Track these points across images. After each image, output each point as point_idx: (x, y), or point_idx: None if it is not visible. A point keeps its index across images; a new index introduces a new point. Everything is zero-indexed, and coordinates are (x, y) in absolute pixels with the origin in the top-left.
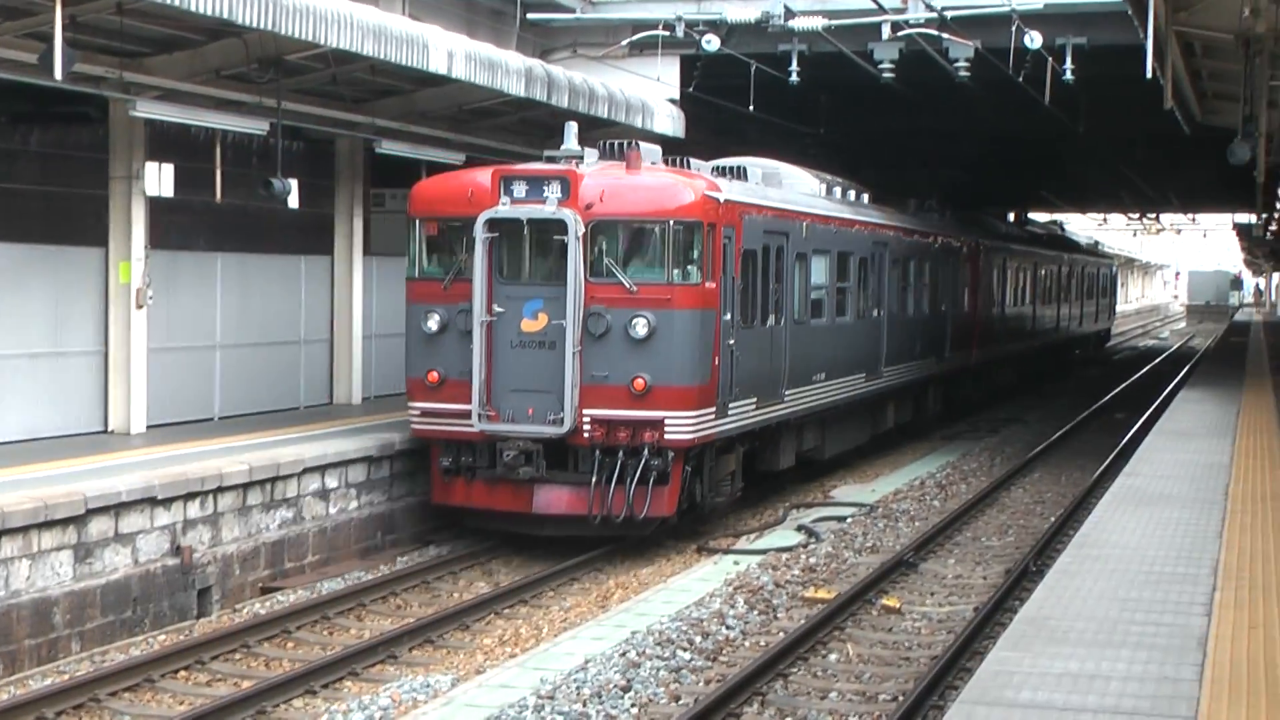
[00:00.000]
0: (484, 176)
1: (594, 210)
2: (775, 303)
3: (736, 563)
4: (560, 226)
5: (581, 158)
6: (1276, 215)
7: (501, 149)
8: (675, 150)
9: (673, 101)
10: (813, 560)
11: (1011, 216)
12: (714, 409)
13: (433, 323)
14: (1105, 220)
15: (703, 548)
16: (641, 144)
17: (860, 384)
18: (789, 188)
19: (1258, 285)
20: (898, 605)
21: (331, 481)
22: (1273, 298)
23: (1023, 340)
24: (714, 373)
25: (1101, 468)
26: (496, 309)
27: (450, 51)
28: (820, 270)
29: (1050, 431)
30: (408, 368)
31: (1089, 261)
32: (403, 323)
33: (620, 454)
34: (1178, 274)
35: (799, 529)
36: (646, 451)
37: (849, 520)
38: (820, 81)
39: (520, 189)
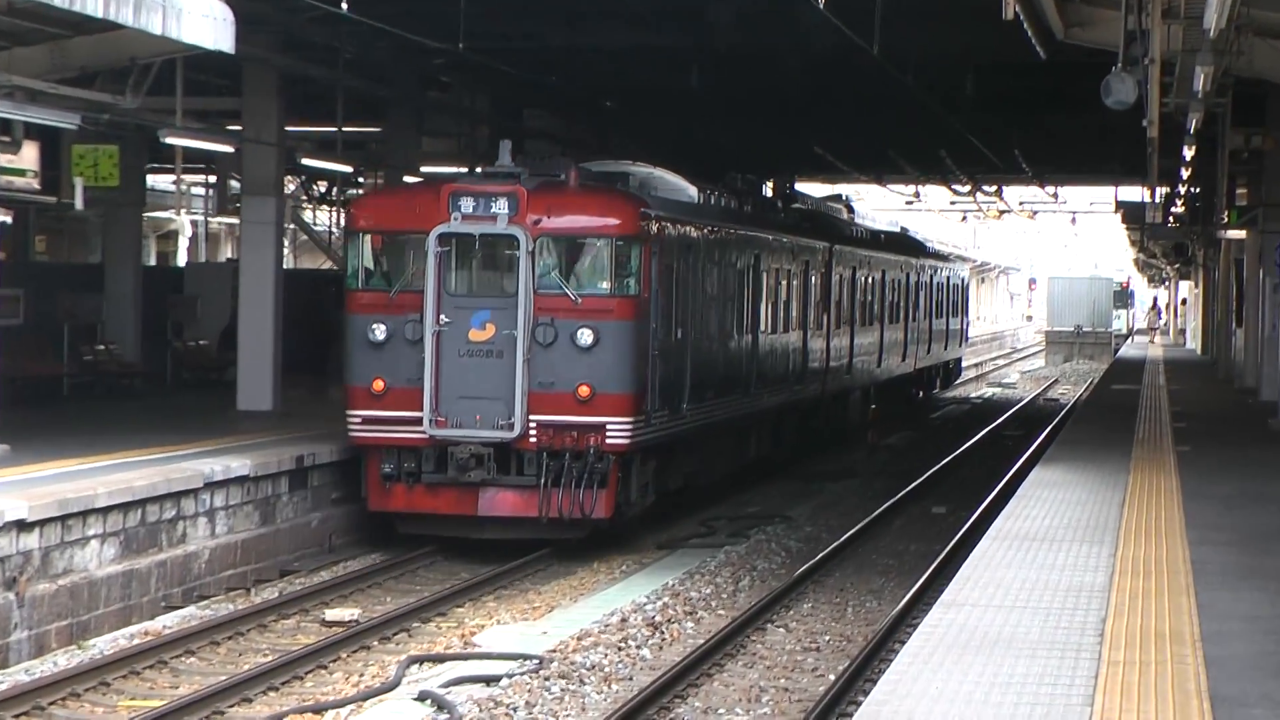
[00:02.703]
0: (430, 192)
1: (541, 226)
2: (681, 316)
3: None
4: (511, 242)
5: (519, 175)
6: (1182, 189)
7: None
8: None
9: None
10: None
11: (769, 189)
12: (645, 416)
13: (379, 332)
14: (918, 196)
15: None
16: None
17: (736, 405)
18: (667, 193)
19: (1155, 301)
20: None
21: None
22: (1179, 322)
23: (871, 371)
24: (645, 382)
25: (909, 593)
26: (443, 319)
27: None
28: (711, 284)
29: (829, 536)
30: (348, 376)
31: (937, 268)
32: None
33: (566, 457)
34: (1033, 282)
35: (422, 697)
36: (592, 455)
37: (506, 682)
38: None
39: (468, 204)
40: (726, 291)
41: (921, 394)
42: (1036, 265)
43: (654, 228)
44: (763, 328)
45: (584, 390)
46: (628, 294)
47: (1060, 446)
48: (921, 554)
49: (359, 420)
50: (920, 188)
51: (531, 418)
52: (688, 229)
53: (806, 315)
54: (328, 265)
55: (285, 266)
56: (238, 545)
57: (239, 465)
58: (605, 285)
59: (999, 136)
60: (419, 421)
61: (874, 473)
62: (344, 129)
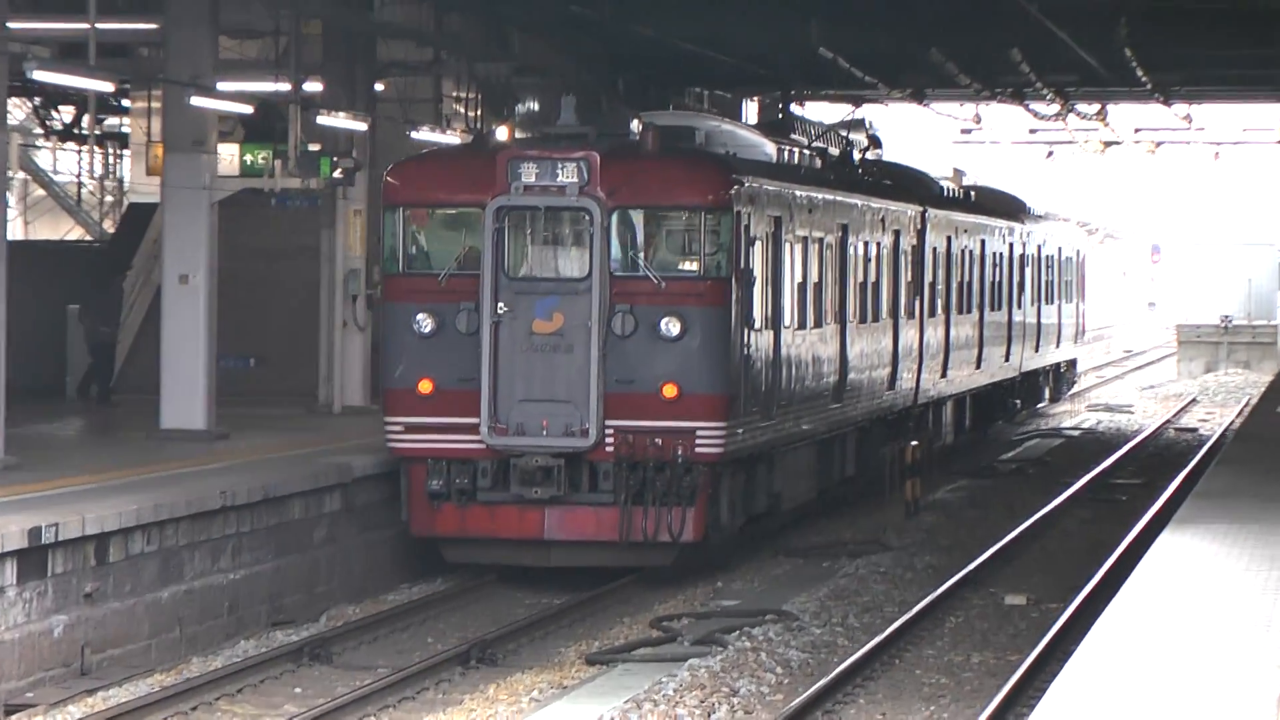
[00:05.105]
0: (484, 157)
1: (618, 197)
2: (773, 304)
3: None
4: (582, 216)
5: (586, 135)
6: None
7: None
8: None
9: None
10: None
11: (753, 112)
12: (738, 420)
13: (426, 324)
14: (979, 122)
15: None
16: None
17: (827, 412)
18: (742, 151)
19: None
20: None
21: None
22: None
23: (970, 372)
24: (739, 379)
25: None
26: (502, 307)
27: None
28: (796, 262)
29: (847, 642)
30: (387, 377)
31: (1046, 235)
32: None
33: (649, 469)
34: (1155, 251)
35: None
36: (680, 466)
37: None
38: None
39: (530, 172)
40: (812, 271)
41: (1022, 406)
42: (1160, 226)
43: (743, 197)
44: (851, 316)
45: (670, 390)
46: (719, 275)
47: (1198, 502)
48: (989, 669)
49: (400, 428)
50: (981, 108)
51: (608, 423)
52: (773, 196)
53: (898, 301)
54: (78, 234)
55: (12, 237)
56: None
57: None
58: (693, 265)
59: (1101, 30)
60: (475, 429)
61: (914, 543)
62: (99, 25)
